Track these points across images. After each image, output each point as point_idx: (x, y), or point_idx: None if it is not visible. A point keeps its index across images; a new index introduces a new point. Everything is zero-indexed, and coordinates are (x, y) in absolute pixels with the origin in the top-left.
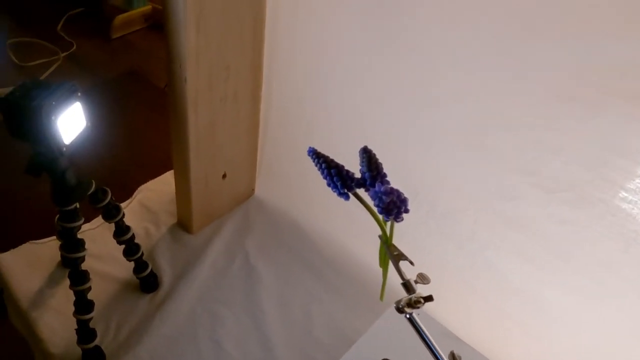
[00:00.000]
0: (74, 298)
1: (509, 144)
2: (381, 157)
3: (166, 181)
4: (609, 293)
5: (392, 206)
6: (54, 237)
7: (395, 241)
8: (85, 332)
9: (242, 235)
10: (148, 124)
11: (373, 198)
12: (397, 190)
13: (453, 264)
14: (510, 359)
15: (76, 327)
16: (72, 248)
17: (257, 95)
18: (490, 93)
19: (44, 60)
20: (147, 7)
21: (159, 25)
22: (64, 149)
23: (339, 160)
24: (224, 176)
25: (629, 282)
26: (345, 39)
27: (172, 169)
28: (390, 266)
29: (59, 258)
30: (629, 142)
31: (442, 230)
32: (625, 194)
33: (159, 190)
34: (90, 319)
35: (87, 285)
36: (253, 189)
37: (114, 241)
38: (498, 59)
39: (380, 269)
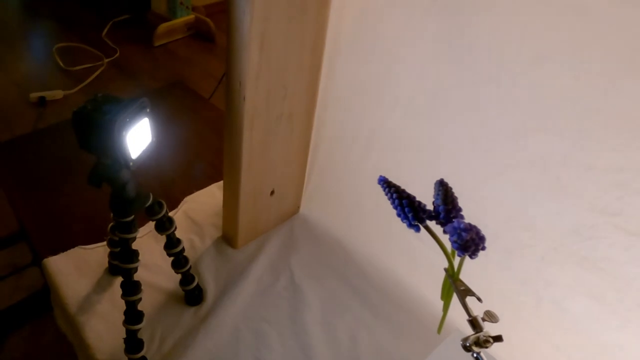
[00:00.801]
0: (124, 307)
1: (591, 182)
2: None
3: (211, 193)
4: None
5: (471, 243)
6: (102, 243)
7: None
8: (133, 342)
9: (287, 253)
10: (193, 134)
11: (451, 233)
12: (475, 227)
13: (515, 301)
14: None
15: (124, 336)
16: (127, 258)
17: (311, 115)
18: (576, 130)
19: (88, 66)
20: (190, 17)
21: (200, 34)
22: (131, 163)
23: None
24: (272, 193)
25: None
26: (409, 67)
27: (217, 180)
28: (427, 289)
29: (106, 264)
30: None
31: (505, 264)
32: None
33: (204, 202)
34: (139, 329)
35: (138, 296)
36: (298, 207)
37: (160, 251)
38: (583, 95)
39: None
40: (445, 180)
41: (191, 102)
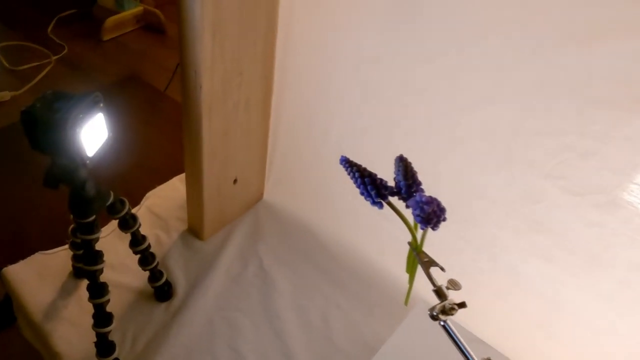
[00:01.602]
0: (92, 310)
1: (538, 148)
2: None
3: (174, 187)
4: (637, 297)
5: (433, 215)
6: (64, 247)
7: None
8: (104, 345)
9: (254, 241)
10: (150, 128)
11: (414, 207)
12: (436, 199)
13: (473, 268)
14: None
15: (94, 340)
16: (91, 260)
17: (268, 101)
18: (521, 99)
19: (35, 64)
20: (139, 9)
21: (150, 26)
22: (88, 161)
23: None
24: (235, 181)
25: None
26: (362, 45)
27: (179, 173)
28: (393, 264)
29: (69, 268)
30: None
31: (462, 233)
32: None
33: (167, 196)
34: (110, 331)
35: (106, 298)
36: (262, 193)
37: (125, 249)
38: (529, 64)
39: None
40: (403, 155)
41: (147, 95)
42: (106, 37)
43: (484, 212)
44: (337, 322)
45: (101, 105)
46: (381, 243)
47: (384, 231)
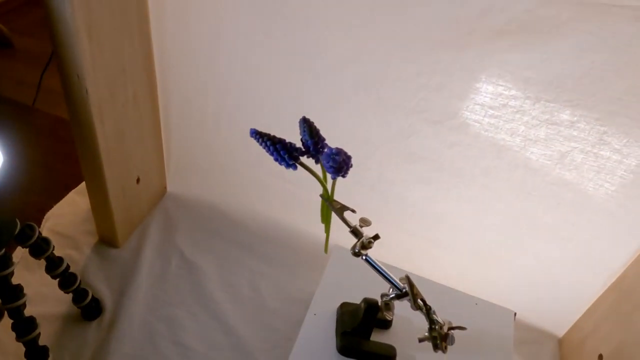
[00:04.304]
0: (17, 352)
1: (401, 91)
2: (295, 127)
3: (72, 201)
4: (492, 195)
5: (343, 164)
6: None
7: (314, 196)
8: None
9: (169, 235)
10: (28, 146)
11: (326, 160)
12: (343, 150)
13: (367, 206)
14: (428, 269)
15: None
16: (12, 296)
17: (155, 93)
18: (378, 52)
19: None
20: None
21: None
22: None
23: (252, 142)
24: (138, 180)
25: (505, 181)
26: (237, 25)
27: (73, 187)
28: (303, 223)
29: None
30: (491, 70)
31: (354, 178)
32: (492, 111)
33: (67, 212)
34: None
35: (37, 331)
36: (165, 187)
37: (37, 278)
38: (377, 25)
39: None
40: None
41: (15, 113)
42: None
43: (370, 156)
44: (266, 288)
45: None
46: (290, 206)
47: (290, 194)
